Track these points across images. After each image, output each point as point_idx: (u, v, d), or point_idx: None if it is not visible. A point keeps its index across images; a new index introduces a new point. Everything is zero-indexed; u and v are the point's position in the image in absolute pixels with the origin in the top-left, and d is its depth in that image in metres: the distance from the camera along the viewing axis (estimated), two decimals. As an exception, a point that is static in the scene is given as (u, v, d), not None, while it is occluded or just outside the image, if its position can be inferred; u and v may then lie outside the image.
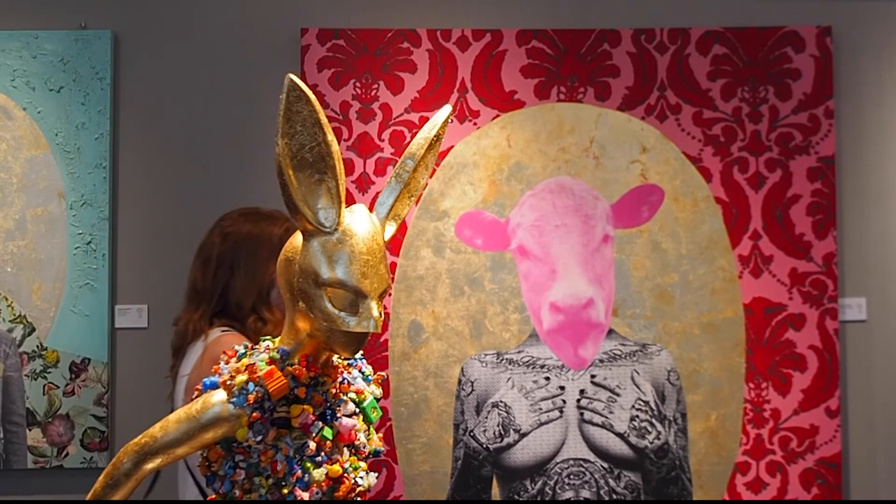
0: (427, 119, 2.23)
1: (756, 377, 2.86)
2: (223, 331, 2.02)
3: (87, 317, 2.82)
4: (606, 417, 2.74)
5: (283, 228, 2.14)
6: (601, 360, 2.81)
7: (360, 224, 1.84)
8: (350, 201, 1.93)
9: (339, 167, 1.79)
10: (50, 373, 2.80)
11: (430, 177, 2.61)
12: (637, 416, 2.77)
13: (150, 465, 1.82)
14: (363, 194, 2.85)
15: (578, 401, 2.73)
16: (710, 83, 2.91)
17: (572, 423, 2.75)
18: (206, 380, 1.89)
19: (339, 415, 1.90)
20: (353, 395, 1.96)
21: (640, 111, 2.90)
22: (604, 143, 2.90)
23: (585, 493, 2.73)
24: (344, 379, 1.95)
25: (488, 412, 2.79)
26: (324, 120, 1.75)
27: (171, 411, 1.82)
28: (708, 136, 2.91)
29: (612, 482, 2.75)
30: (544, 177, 2.89)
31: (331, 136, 1.77)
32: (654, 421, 2.78)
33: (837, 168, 2.92)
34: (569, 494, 2.73)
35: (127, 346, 2.86)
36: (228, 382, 1.82)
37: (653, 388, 2.81)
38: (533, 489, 2.77)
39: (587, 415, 2.73)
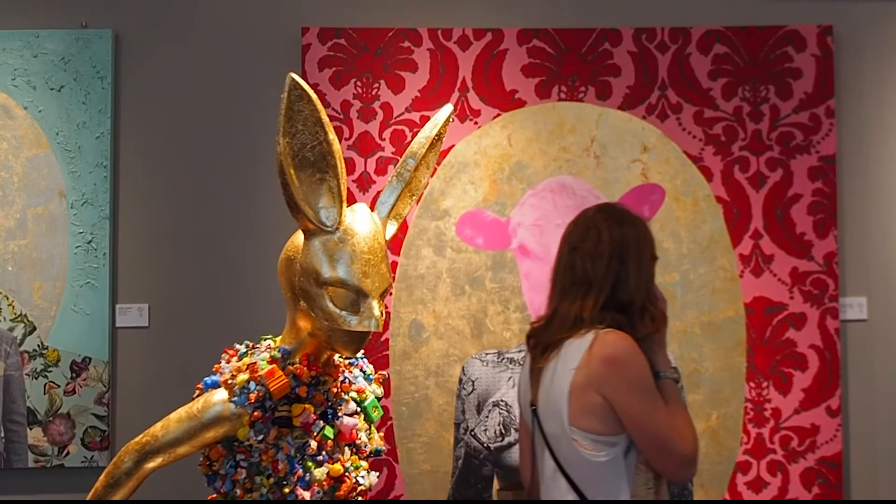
0: (428, 118, 2.24)
1: (757, 376, 2.86)
2: (608, 329, 1.88)
3: (87, 316, 2.82)
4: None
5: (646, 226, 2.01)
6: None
7: (362, 223, 1.84)
8: (351, 200, 1.93)
9: (341, 166, 1.79)
10: (51, 372, 2.80)
11: (431, 176, 2.61)
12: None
13: (151, 465, 1.82)
14: (364, 193, 2.85)
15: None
16: (711, 82, 2.91)
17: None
18: (207, 379, 1.89)
19: (340, 414, 1.91)
20: (354, 395, 1.97)
21: (641, 110, 2.90)
22: (605, 142, 2.90)
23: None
24: (345, 378, 1.96)
25: (489, 411, 2.79)
26: (325, 119, 1.75)
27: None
28: (709, 136, 2.91)
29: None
30: (545, 176, 2.89)
31: (332, 136, 1.77)
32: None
33: (838, 167, 2.92)
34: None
35: (128, 345, 2.86)
36: (230, 381, 1.83)
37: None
38: (534, 488, 2.77)
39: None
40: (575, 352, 1.87)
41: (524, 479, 2.10)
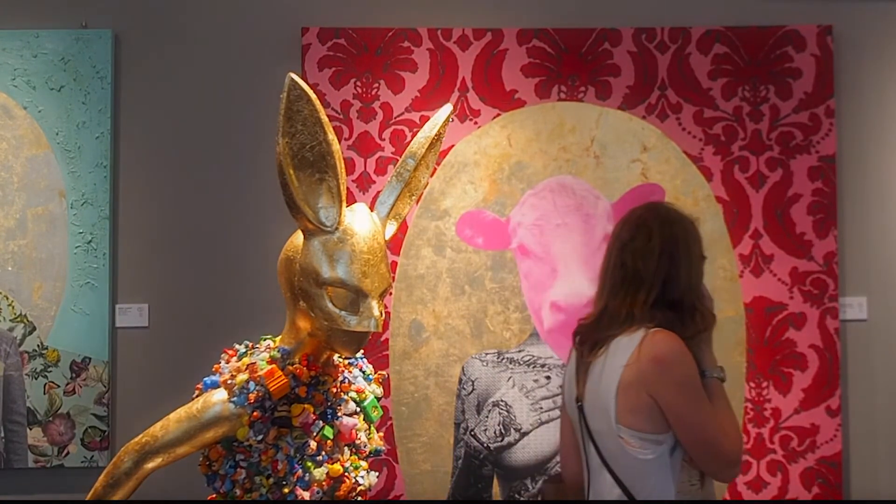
0: (428, 118, 2.24)
1: (757, 376, 2.86)
2: (658, 328, 1.87)
3: (87, 316, 2.82)
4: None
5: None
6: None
7: (361, 223, 1.84)
8: (351, 200, 1.93)
9: (340, 166, 1.79)
10: (51, 372, 2.81)
11: (431, 176, 2.61)
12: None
13: (150, 465, 1.82)
14: (364, 193, 2.85)
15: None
16: (711, 82, 2.91)
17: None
18: (206, 379, 1.89)
19: (339, 414, 1.91)
20: (353, 394, 1.97)
21: (641, 110, 2.90)
22: (604, 142, 2.90)
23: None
24: (345, 378, 1.96)
25: (489, 411, 2.79)
26: (324, 119, 1.75)
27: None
28: (709, 136, 2.91)
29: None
30: (545, 176, 2.89)
31: (331, 136, 1.77)
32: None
33: (838, 167, 2.92)
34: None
35: (127, 345, 2.86)
36: (229, 381, 1.83)
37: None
38: (533, 488, 2.77)
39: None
40: (624, 350, 1.88)
41: (565, 475, 2.11)
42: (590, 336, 1.98)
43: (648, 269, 1.92)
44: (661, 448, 1.86)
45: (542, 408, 2.78)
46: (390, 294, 2.83)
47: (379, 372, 2.09)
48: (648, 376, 1.84)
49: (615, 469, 1.89)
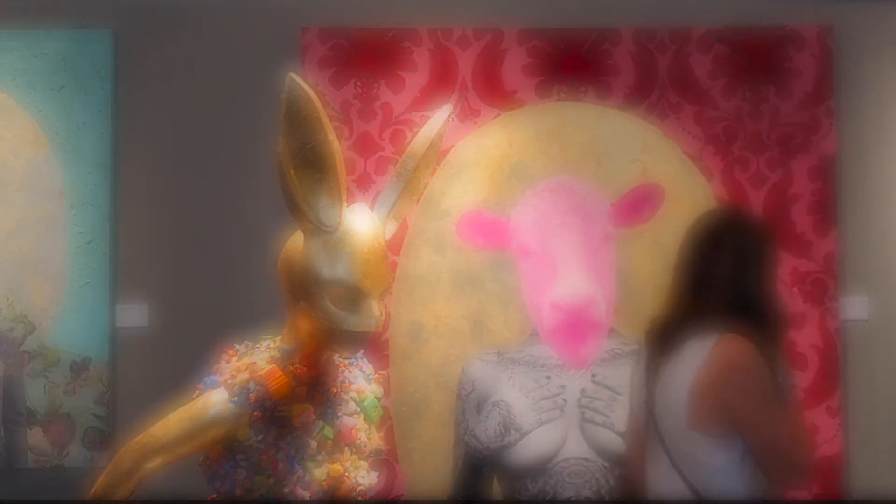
0: (428, 118, 2.24)
1: (757, 376, 2.86)
2: (731, 334, 1.87)
3: (87, 316, 2.82)
4: (607, 417, 2.73)
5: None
6: (602, 360, 2.80)
7: (361, 223, 1.84)
8: (351, 201, 1.93)
9: (340, 166, 1.79)
10: (51, 372, 2.80)
11: (431, 176, 2.61)
12: (638, 416, 2.77)
13: (151, 465, 1.82)
14: (364, 193, 2.85)
15: (579, 400, 2.72)
16: (711, 82, 2.91)
17: (573, 423, 2.75)
18: (207, 378, 1.89)
19: (340, 414, 1.91)
20: (353, 395, 1.97)
21: (641, 110, 2.90)
22: (605, 142, 2.90)
23: (586, 493, 2.73)
24: (345, 378, 1.96)
25: (489, 411, 2.79)
26: (325, 119, 1.75)
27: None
28: (709, 136, 2.90)
29: (612, 481, 2.74)
30: (545, 176, 2.88)
31: (332, 136, 1.77)
32: (654, 420, 2.78)
33: (838, 167, 2.92)
34: (570, 494, 2.73)
35: (128, 345, 2.86)
36: (230, 381, 1.83)
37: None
38: (534, 488, 2.77)
39: (588, 414, 2.72)
40: (696, 354, 1.88)
41: (632, 476, 2.11)
42: (661, 339, 1.98)
43: (721, 274, 1.93)
44: (731, 454, 1.86)
45: (542, 408, 2.78)
46: (390, 294, 2.82)
47: (379, 372, 2.09)
48: (720, 382, 1.84)
49: (685, 473, 1.89)
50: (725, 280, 1.93)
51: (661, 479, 1.93)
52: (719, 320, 1.90)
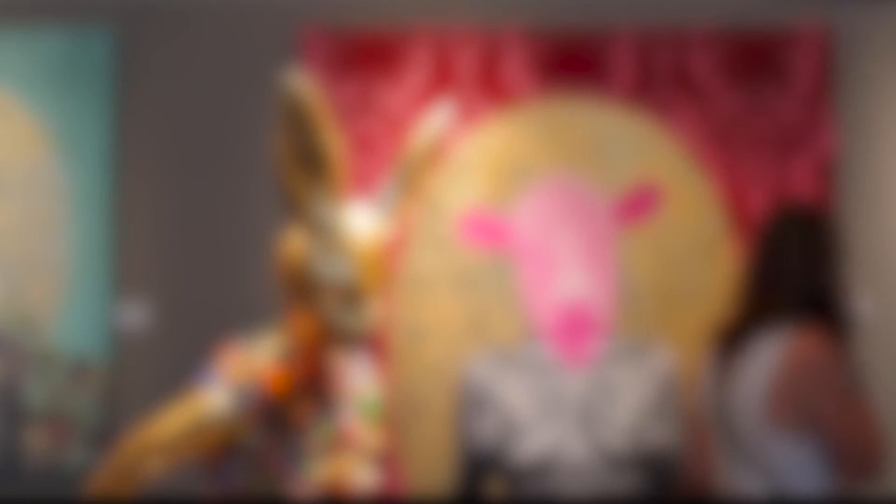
0: (427, 118, 2.24)
1: (757, 376, 2.86)
2: (805, 330, 1.87)
3: (87, 316, 2.82)
4: (607, 417, 2.74)
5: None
6: (602, 360, 2.80)
7: (361, 223, 1.84)
8: (350, 200, 1.93)
9: (339, 165, 1.80)
10: (51, 372, 2.81)
11: (431, 175, 2.61)
12: (638, 416, 2.77)
13: (150, 465, 1.82)
14: (363, 193, 2.85)
15: (579, 400, 2.73)
16: (711, 82, 2.91)
17: (573, 423, 2.75)
18: (206, 378, 1.89)
19: (340, 414, 1.91)
20: (353, 394, 1.97)
21: (641, 110, 2.90)
22: (605, 141, 2.90)
23: (586, 493, 2.73)
24: (345, 377, 1.96)
25: (489, 411, 2.79)
26: (325, 119, 1.75)
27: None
28: (709, 135, 2.90)
29: (612, 482, 2.74)
30: (545, 176, 2.89)
31: (331, 135, 1.77)
32: (654, 421, 2.78)
33: (838, 167, 2.92)
34: (569, 494, 2.73)
35: (128, 345, 2.86)
36: (230, 381, 1.83)
37: (653, 387, 2.81)
38: (534, 489, 2.77)
39: (588, 414, 2.73)
40: (770, 351, 1.89)
41: (703, 475, 2.11)
42: (733, 338, 1.98)
43: (793, 272, 1.94)
44: (809, 449, 1.86)
45: (542, 408, 2.78)
46: (390, 294, 2.83)
47: (379, 372, 2.09)
48: (799, 379, 1.85)
49: (762, 470, 1.90)
50: (795, 276, 1.95)
51: (737, 478, 1.94)
52: (791, 317, 1.92)
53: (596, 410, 2.73)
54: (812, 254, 1.94)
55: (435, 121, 1.99)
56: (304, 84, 1.71)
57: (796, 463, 1.85)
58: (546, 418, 2.78)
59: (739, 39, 2.92)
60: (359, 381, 1.99)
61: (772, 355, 1.86)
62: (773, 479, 1.87)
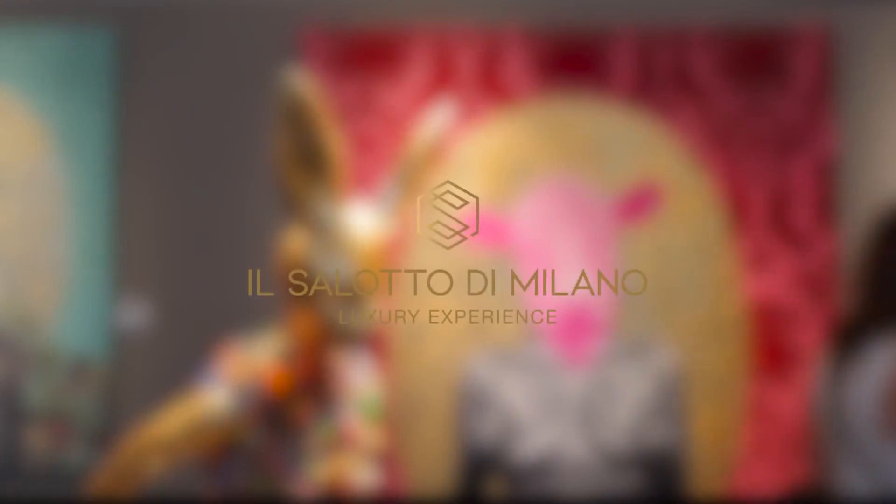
0: (428, 117, 2.24)
1: (757, 376, 2.86)
2: None
3: (88, 315, 2.82)
4: (607, 416, 2.74)
5: None
6: (602, 359, 2.81)
7: (361, 222, 1.84)
8: (350, 200, 1.93)
9: (340, 166, 1.80)
10: (51, 372, 2.81)
11: (431, 175, 2.61)
12: (638, 416, 2.77)
13: (150, 465, 1.82)
14: (363, 193, 2.85)
15: (580, 400, 2.73)
16: (711, 82, 2.91)
17: (573, 423, 2.75)
18: (206, 378, 1.89)
19: (340, 413, 1.91)
20: (354, 394, 1.97)
21: (641, 109, 2.90)
22: (605, 141, 2.90)
23: (586, 493, 2.73)
24: (345, 377, 1.96)
25: (489, 411, 2.79)
26: (325, 119, 1.75)
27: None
28: (709, 135, 2.91)
29: (612, 482, 2.75)
30: (545, 175, 2.89)
31: (331, 135, 1.77)
32: (655, 420, 2.78)
33: (839, 167, 2.92)
34: (569, 494, 2.73)
35: (128, 345, 2.86)
36: (230, 381, 1.83)
37: (654, 386, 2.81)
38: (534, 489, 2.77)
39: (588, 414, 2.73)
40: (883, 355, 1.87)
41: (813, 478, 2.10)
42: (847, 339, 1.96)
43: None
44: None
45: (542, 408, 2.78)
46: (390, 293, 2.82)
47: (379, 371, 2.09)
48: None
49: (871, 471, 1.88)
50: None
51: (845, 477, 1.92)
52: None
53: (596, 410, 2.74)
54: None
55: (435, 121, 1.99)
56: (305, 84, 1.71)
57: None
58: (546, 418, 2.78)
59: (739, 39, 2.92)
60: (359, 380, 1.99)
61: (884, 360, 1.83)
62: (883, 481, 1.85)
